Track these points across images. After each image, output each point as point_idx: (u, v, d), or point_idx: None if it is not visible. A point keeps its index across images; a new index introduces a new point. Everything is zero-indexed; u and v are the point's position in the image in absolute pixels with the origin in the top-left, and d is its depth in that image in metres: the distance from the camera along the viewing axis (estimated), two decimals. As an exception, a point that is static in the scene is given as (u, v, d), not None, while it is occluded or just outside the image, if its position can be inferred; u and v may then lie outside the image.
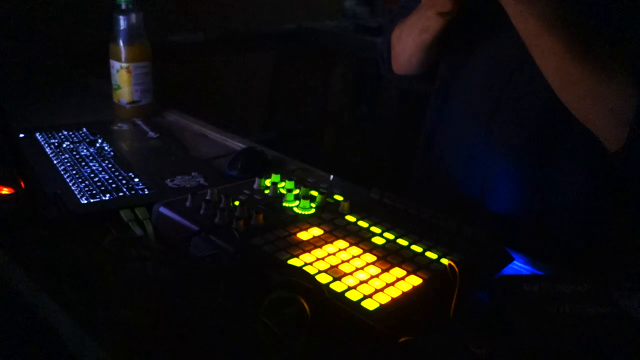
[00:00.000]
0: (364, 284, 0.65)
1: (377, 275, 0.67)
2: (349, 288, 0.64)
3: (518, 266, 0.79)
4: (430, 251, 0.73)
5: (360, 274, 0.67)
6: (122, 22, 1.22)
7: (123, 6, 1.22)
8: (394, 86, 2.56)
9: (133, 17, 1.22)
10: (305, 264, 0.68)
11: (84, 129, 1.15)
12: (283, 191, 0.86)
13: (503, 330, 0.64)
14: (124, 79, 1.25)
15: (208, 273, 0.68)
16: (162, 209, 0.79)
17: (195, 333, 0.61)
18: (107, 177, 0.93)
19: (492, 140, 0.94)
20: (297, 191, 0.85)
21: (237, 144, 1.18)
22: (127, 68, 1.24)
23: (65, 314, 0.62)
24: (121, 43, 1.23)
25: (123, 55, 1.23)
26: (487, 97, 0.95)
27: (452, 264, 0.65)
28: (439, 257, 0.72)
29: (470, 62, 1.00)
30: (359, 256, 0.71)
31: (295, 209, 0.82)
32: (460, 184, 1.02)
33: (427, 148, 1.10)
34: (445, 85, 1.06)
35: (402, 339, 0.52)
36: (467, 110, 1.00)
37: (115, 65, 1.25)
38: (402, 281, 0.67)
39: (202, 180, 0.96)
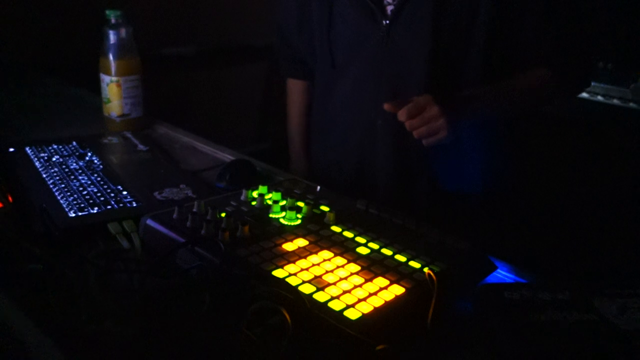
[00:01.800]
0: (347, 294, 0.66)
1: (360, 285, 0.68)
2: (332, 298, 0.65)
3: (502, 274, 0.80)
4: (414, 260, 0.74)
5: (343, 283, 0.68)
6: (112, 37, 1.23)
7: (113, 20, 1.23)
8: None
9: (123, 31, 1.24)
10: (290, 275, 0.69)
11: (74, 143, 1.15)
12: (270, 202, 0.87)
13: (485, 338, 0.65)
14: (114, 92, 1.26)
15: (193, 284, 0.68)
16: (149, 222, 0.80)
17: (180, 344, 0.61)
18: (95, 190, 0.94)
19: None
20: (283, 202, 0.86)
21: (226, 156, 1.19)
22: (117, 82, 1.25)
23: (52, 326, 0.63)
24: (111, 57, 1.24)
25: (113, 69, 1.24)
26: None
27: (431, 273, 0.65)
28: (422, 267, 0.73)
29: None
30: (343, 266, 0.72)
31: (282, 220, 0.82)
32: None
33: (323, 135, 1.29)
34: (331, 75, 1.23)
35: (379, 347, 0.53)
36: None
37: (105, 79, 1.26)
38: (385, 290, 0.67)
39: (190, 193, 0.96)
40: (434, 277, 0.64)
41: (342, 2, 1.14)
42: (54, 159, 1.06)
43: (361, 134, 1.17)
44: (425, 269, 0.70)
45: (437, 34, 1.05)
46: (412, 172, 1.14)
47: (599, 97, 1.89)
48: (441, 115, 0.98)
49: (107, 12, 1.23)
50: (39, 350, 0.63)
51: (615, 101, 1.86)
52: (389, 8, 1.09)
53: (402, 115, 0.98)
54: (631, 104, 1.83)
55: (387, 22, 1.09)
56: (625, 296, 0.67)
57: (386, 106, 1.00)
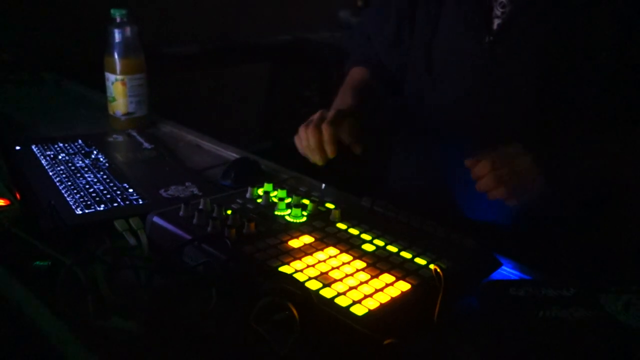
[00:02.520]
0: (354, 290, 0.66)
1: (366, 282, 0.68)
2: (339, 294, 0.65)
3: (507, 271, 0.81)
4: (420, 257, 0.75)
5: (350, 280, 0.69)
6: (117, 35, 1.24)
7: (118, 19, 1.24)
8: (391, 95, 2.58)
9: (128, 30, 1.24)
10: (296, 271, 0.69)
11: (80, 141, 1.16)
12: (275, 200, 0.87)
13: (490, 334, 0.66)
14: (118, 91, 1.26)
15: (200, 281, 0.69)
16: (156, 219, 0.80)
17: (186, 340, 0.62)
18: (101, 188, 0.95)
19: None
20: (289, 200, 0.87)
21: (231, 154, 1.20)
22: (122, 80, 1.25)
23: (60, 322, 0.63)
24: (116, 56, 1.24)
25: (118, 68, 1.25)
26: (461, 116, 1.00)
27: (437, 269, 0.66)
28: (428, 263, 0.73)
29: (437, 86, 1.03)
30: (349, 263, 0.72)
31: (287, 218, 0.83)
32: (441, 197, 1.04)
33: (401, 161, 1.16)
34: (411, 107, 1.11)
35: (387, 341, 0.53)
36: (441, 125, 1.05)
37: (110, 77, 1.26)
38: (391, 287, 0.68)
39: (195, 190, 0.97)
40: (440, 273, 0.64)
41: (449, 13, 1.01)
42: (60, 157, 1.07)
43: (446, 152, 1.03)
44: (432, 266, 0.71)
45: (547, 58, 0.90)
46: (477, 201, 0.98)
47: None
48: (533, 168, 0.82)
49: (112, 11, 1.24)
50: (54, 338, 0.63)
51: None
52: (496, 22, 0.94)
53: (483, 167, 0.81)
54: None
55: (491, 38, 0.94)
56: (631, 293, 0.67)
57: (467, 163, 0.84)
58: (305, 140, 0.92)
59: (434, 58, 1.02)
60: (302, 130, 0.93)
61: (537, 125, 0.92)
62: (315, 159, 0.91)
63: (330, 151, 0.89)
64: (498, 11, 0.94)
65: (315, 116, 0.94)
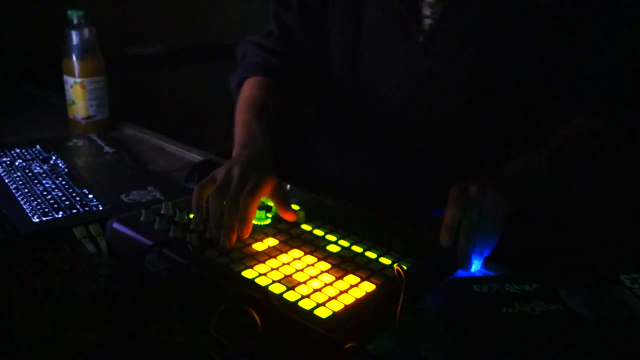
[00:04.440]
0: (318, 292, 0.66)
1: (331, 283, 0.68)
2: (302, 297, 0.65)
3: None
4: (385, 257, 0.74)
5: (314, 282, 0.68)
6: (75, 37, 1.21)
7: (75, 21, 1.21)
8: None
9: (85, 31, 1.21)
10: (260, 275, 0.68)
11: (38, 146, 1.13)
12: (239, 202, 0.86)
13: (454, 332, 0.66)
14: (78, 94, 1.23)
15: (161, 288, 0.67)
16: (115, 225, 0.79)
17: (148, 348, 0.60)
18: (60, 194, 0.92)
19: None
20: (253, 202, 0.85)
21: (195, 157, 1.18)
22: (81, 83, 1.22)
23: (15, 334, 0.61)
24: (74, 58, 1.21)
25: (76, 71, 1.22)
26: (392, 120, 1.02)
27: (399, 268, 0.66)
28: (393, 263, 0.73)
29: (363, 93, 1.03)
30: (313, 265, 0.72)
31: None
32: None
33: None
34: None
35: (348, 345, 0.53)
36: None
37: (69, 80, 1.23)
38: (355, 288, 0.67)
39: (158, 194, 0.95)
40: (402, 273, 0.64)
41: (372, 13, 0.99)
42: (16, 163, 1.04)
43: (389, 149, 1.04)
44: (395, 265, 0.70)
45: (480, 55, 0.91)
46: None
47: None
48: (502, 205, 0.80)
49: (69, 12, 1.21)
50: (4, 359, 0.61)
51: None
52: (427, 22, 0.94)
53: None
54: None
55: (423, 38, 0.94)
56: (590, 287, 0.68)
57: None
58: (216, 214, 0.75)
59: (359, 55, 1.01)
60: (214, 199, 0.76)
61: (472, 120, 0.95)
62: (224, 240, 0.73)
63: (245, 233, 0.75)
64: (427, 11, 0.94)
65: (233, 184, 0.77)
